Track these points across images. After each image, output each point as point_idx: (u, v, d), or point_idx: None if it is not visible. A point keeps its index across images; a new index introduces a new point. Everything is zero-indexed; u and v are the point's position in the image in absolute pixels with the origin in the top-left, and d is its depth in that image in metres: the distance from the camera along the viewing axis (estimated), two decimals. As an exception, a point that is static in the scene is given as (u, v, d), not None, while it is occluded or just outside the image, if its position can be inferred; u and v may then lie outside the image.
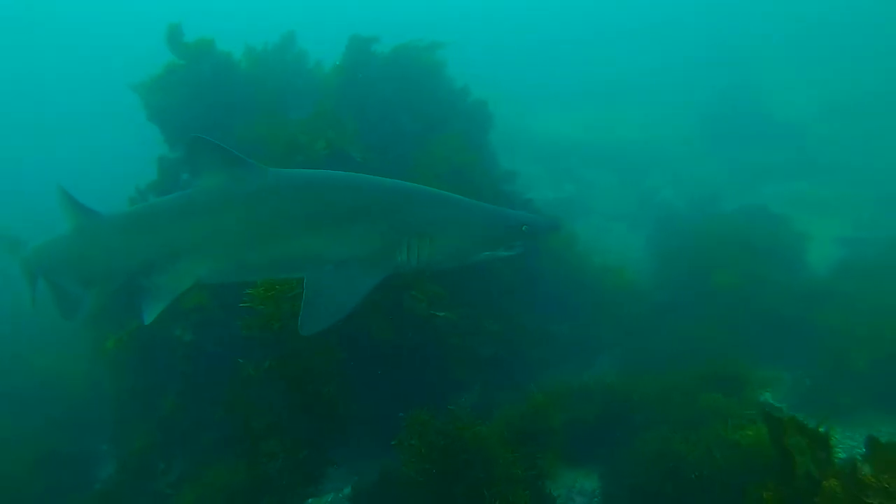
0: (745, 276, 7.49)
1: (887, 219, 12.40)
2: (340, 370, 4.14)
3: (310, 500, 4.11)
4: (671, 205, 13.28)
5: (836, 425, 5.47)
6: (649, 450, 4.17)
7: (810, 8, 25.61)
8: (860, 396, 5.85)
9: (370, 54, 7.59)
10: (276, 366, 3.91)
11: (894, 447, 2.73)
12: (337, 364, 4.12)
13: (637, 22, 31.60)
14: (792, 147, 16.78)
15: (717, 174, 15.76)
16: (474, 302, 5.43)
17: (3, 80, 31.88)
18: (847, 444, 5.39)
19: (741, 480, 3.60)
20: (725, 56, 23.60)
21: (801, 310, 7.08)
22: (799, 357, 6.68)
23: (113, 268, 3.96)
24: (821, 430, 2.86)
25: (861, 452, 5.07)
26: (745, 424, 4.11)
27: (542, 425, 4.14)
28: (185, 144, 3.72)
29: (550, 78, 24.09)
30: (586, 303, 7.07)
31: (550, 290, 6.81)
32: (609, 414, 4.92)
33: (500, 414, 4.33)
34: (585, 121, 20.12)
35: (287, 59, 7.94)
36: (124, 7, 38.44)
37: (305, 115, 6.67)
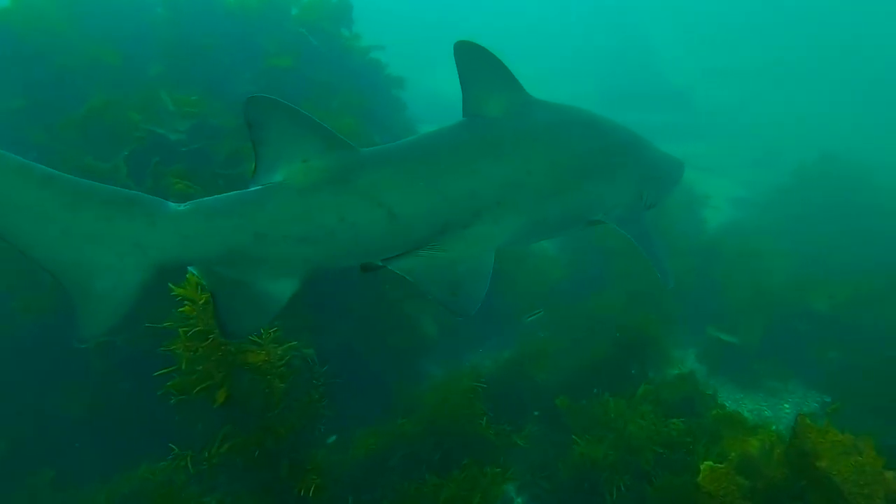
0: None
1: (764, 179, 13.16)
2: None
3: None
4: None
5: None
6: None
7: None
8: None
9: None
10: (236, 446, 3.20)
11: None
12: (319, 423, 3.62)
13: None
14: (683, 110, 17.41)
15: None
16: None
17: None
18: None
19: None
20: (618, 19, 23.96)
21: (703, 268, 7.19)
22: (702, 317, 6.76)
23: (384, 241, 2.39)
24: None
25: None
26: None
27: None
28: (459, 56, 2.62)
29: (446, 35, 23.13)
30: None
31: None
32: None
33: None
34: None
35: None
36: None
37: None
